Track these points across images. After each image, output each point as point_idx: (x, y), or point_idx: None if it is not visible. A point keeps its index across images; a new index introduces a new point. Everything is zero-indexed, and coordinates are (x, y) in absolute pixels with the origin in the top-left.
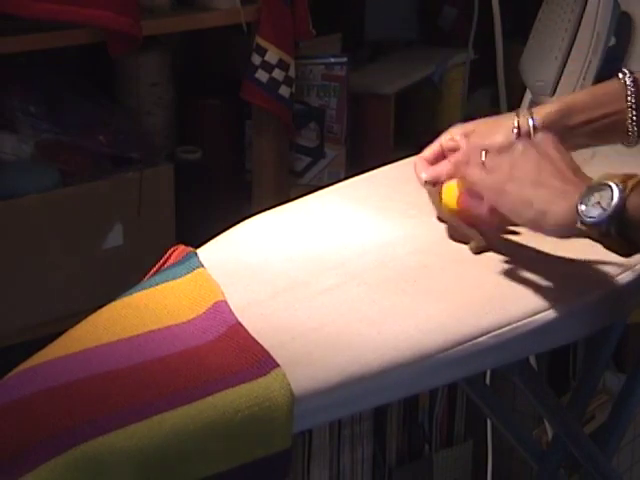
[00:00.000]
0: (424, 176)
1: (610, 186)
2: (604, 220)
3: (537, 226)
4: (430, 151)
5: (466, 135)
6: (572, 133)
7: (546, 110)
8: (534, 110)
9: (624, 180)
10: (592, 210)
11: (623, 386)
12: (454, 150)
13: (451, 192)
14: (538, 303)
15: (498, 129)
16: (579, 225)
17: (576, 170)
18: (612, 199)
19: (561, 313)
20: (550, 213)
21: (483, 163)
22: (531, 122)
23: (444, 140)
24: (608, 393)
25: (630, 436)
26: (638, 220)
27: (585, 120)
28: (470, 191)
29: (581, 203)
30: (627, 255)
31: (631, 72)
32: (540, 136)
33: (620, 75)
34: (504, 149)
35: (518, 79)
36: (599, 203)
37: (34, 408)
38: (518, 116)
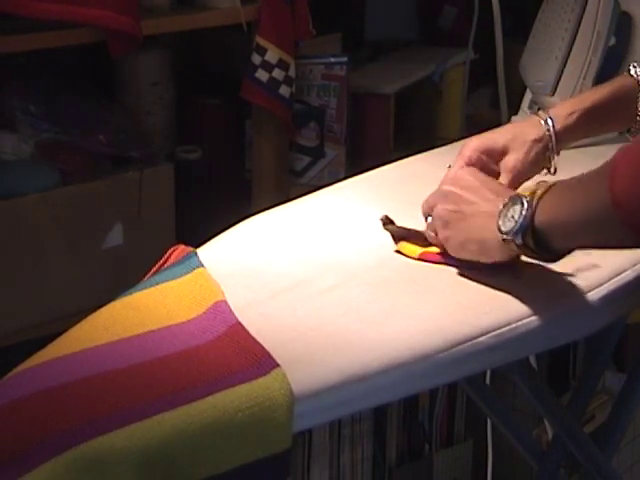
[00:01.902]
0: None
1: (520, 199)
2: (516, 232)
3: (485, 254)
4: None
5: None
6: (585, 134)
7: (564, 114)
8: (552, 113)
9: (534, 191)
10: (507, 224)
11: (623, 386)
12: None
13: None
14: (538, 303)
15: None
16: (504, 242)
17: (499, 191)
18: (522, 211)
19: (561, 313)
20: (486, 238)
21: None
22: (550, 123)
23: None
24: (608, 393)
25: (630, 436)
26: (547, 227)
27: (602, 123)
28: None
29: (499, 221)
30: (546, 261)
31: None
32: (456, 172)
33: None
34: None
35: (518, 79)
36: (513, 217)
37: (34, 408)
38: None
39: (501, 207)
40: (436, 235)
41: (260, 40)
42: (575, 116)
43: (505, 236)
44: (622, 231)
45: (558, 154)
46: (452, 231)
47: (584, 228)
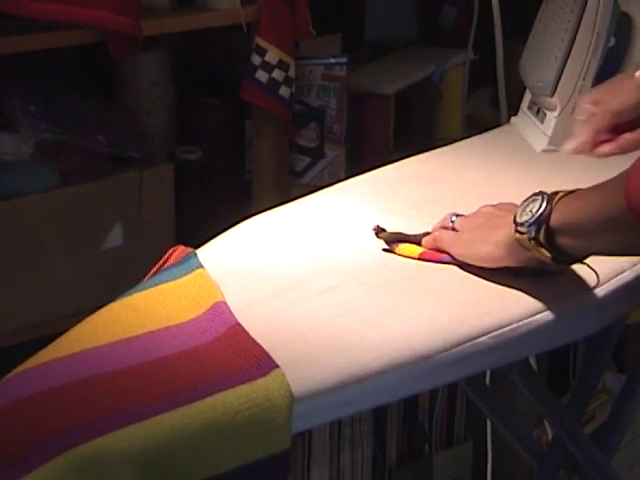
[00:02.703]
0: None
1: (541, 196)
2: (532, 223)
3: (494, 257)
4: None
5: (596, 103)
6: None
7: None
8: None
9: (555, 193)
10: (524, 216)
11: (623, 386)
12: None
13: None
14: (538, 303)
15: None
16: (515, 235)
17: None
18: (540, 206)
19: (561, 313)
20: (499, 238)
21: (452, 227)
22: None
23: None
24: (608, 393)
25: (630, 436)
26: (562, 226)
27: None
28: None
29: (517, 213)
30: (557, 262)
31: None
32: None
33: None
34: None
35: (518, 79)
36: (531, 211)
37: (33, 409)
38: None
39: (523, 202)
40: (435, 238)
41: (260, 41)
42: None
43: (519, 227)
44: (636, 235)
45: None
46: (469, 235)
47: (599, 230)
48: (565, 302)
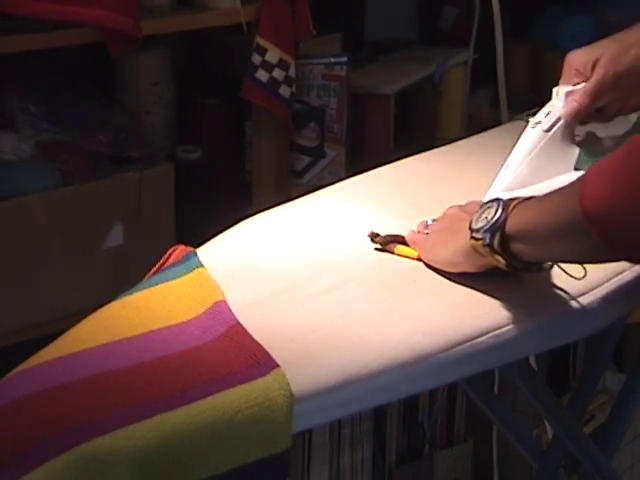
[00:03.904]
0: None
1: (497, 202)
2: (487, 229)
3: (453, 262)
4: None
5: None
6: None
7: None
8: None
9: (511, 199)
10: (480, 222)
11: (623, 386)
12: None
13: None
14: (538, 303)
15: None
16: (471, 241)
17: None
18: (496, 213)
19: (560, 313)
20: (457, 244)
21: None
22: None
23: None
24: (608, 393)
25: (630, 436)
26: (517, 233)
27: None
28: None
29: (472, 219)
30: (512, 269)
31: None
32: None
33: None
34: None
35: (518, 79)
36: (486, 217)
37: (34, 408)
38: None
39: (477, 210)
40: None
41: (260, 40)
42: None
43: (475, 234)
44: (590, 241)
45: None
46: (433, 239)
47: (554, 237)
48: (564, 303)
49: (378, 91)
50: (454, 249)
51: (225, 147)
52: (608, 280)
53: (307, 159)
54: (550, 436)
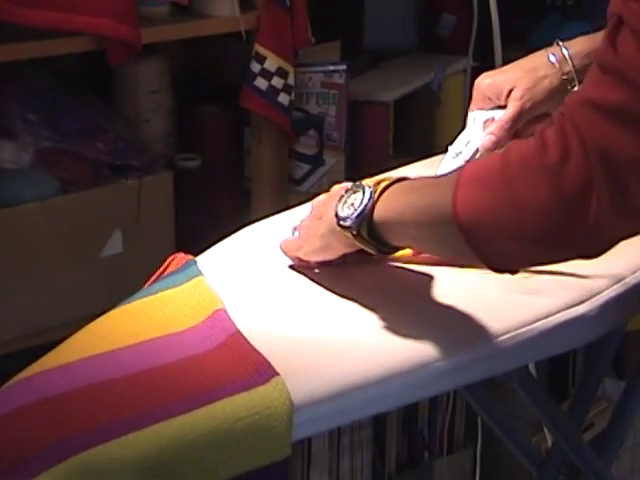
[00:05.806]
0: None
1: (363, 188)
2: (354, 219)
3: (327, 246)
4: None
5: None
6: None
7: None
8: (570, 49)
9: (377, 183)
10: (346, 210)
11: (622, 393)
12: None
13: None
14: (537, 311)
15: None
16: (337, 228)
17: None
18: (362, 200)
19: (560, 321)
20: (326, 228)
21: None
22: (566, 52)
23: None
24: (607, 400)
25: (629, 443)
26: (384, 222)
27: None
28: None
29: (339, 205)
30: (383, 254)
31: None
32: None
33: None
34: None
35: None
36: (352, 204)
37: (33, 417)
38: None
39: (343, 193)
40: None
41: (259, 48)
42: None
43: (342, 222)
44: (458, 242)
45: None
46: (304, 232)
47: (423, 230)
48: (564, 310)
49: (377, 99)
50: (322, 234)
51: (224, 155)
52: (607, 288)
53: (306, 167)
54: (550, 443)
